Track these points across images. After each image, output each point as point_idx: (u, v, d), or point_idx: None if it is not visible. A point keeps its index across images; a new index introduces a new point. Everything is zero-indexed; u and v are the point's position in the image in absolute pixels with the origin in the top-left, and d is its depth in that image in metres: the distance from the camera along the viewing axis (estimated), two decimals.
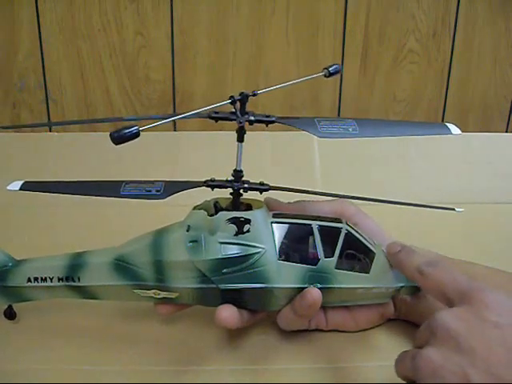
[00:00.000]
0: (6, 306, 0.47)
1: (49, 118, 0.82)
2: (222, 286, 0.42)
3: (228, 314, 0.42)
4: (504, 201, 0.74)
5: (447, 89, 0.85)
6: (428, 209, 0.45)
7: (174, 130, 0.80)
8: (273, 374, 0.45)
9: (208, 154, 0.72)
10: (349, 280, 0.43)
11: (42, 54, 0.79)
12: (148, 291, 0.43)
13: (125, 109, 0.82)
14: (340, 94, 0.84)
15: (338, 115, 0.85)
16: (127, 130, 0.35)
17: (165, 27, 0.78)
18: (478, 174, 0.76)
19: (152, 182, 0.43)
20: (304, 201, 0.47)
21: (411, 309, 0.48)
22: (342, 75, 0.83)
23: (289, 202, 0.47)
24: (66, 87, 0.81)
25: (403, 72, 0.83)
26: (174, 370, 0.45)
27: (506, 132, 0.87)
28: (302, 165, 0.76)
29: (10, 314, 0.48)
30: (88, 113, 0.82)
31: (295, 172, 0.75)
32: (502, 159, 0.78)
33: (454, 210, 0.44)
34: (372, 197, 0.44)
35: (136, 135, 0.35)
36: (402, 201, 0.44)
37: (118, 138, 0.35)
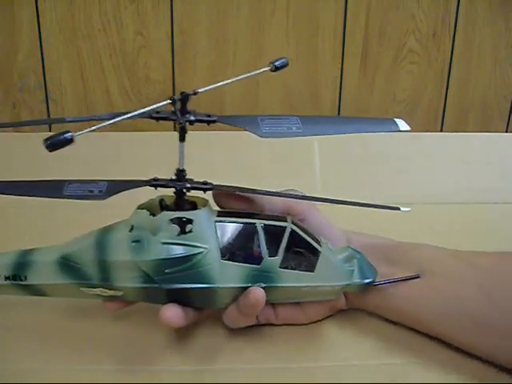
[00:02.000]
0: None
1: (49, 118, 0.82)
2: (166, 286, 0.42)
3: (171, 313, 0.42)
4: (504, 201, 0.74)
5: (447, 89, 0.85)
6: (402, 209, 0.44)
7: (174, 130, 0.80)
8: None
9: (206, 154, 0.72)
10: (293, 279, 0.43)
11: (42, 53, 0.79)
12: (94, 289, 0.43)
13: (125, 109, 0.82)
14: (340, 94, 0.84)
15: (338, 115, 0.85)
16: (60, 137, 0.35)
17: (165, 27, 0.78)
18: (477, 174, 0.76)
19: (96, 182, 0.43)
20: (255, 190, 0.45)
21: (362, 299, 0.48)
22: (342, 75, 0.83)
23: (239, 194, 0.46)
24: (65, 87, 0.81)
25: (403, 72, 0.83)
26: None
27: (506, 132, 0.87)
28: (302, 164, 0.76)
29: None
30: (88, 113, 0.82)
31: (295, 172, 0.75)
32: (502, 159, 0.78)
33: (399, 209, 0.43)
34: (325, 197, 0.43)
35: (69, 141, 0.35)
36: (350, 200, 0.43)
37: (51, 146, 0.35)
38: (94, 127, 0.38)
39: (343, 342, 0.48)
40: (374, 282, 0.45)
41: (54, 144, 0.35)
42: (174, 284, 0.42)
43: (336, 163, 0.76)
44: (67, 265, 0.44)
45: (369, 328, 0.49)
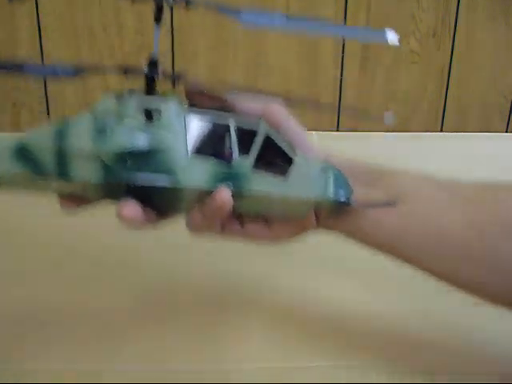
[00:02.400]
0: None
1: (49, 118, 0.82)
2: (127, 181, 0.39)
3: (128, 210, 0.39)
4: None
5: (447, 89, 0.85)
6: None
7: None
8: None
9: None
10: (264, 184, 0.40)
11: (42, 53, 0.79)
12: (51, 183, 0.40)
13: None
14: (340, 94, 0.84)
15: (338, 115, 0.85)
16: None
17: (165, 27, 0.78)
18: (477, 174, 0.76)
19: (58, 65, 0.40)
20: (230, 89, 0.43)
21: (334, 221, 0.44)
22: (342, 75, 0.83)
23: (212, 93, 0.43)
24: (66, 87, 0.81)
25: (403, 72, 0.83)
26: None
27: (506, 132, 0.87)
28: None
29: None
30: None
31: None
32: (502, 159, 0.78)
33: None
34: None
35: None
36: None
37: None
38: None
39: (340, 342, 0.48)
40: (348, 201, 0.42)
41: None
42: (135, 179, 0.39)
43: None
44: (24, 153, 0.40)
45: (368, 327, 0.49)
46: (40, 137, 0.40)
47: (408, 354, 0.47)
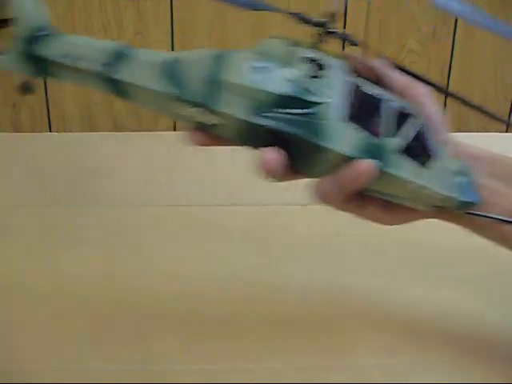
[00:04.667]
0: (27, 80, 0.44)
1: (49, 118, 0.81)
2: (273, 125, 0.37)
3: (273, 156, 0.37)
4: None
5: (447, 89, 0.85)
6: None
7: (174, 130, 0.80)
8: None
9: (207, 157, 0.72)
10: (405, 169, 0.38)
11: None
12: (190, 109, 0.38)
13: (125, 108, 0.82)
14: None
15: None
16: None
17: (165, 27, 0.78)
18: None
19: None
20: (384, 63, 0.42)
21: (456, 214, 0.42)
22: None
23: (370, 62, 0.42)
24: (66, 87, 0.81)
25: None
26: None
27: (506, 132, 0.87)
28: None
29: (27, 88, 0.44)
30: (88, 113, 0.81)
31: None
32: None
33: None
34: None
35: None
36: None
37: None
38: None
39: (348, 342, 0.48)
40: (474, 206, 0.41)
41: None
42: (281, 126, 0.37)
43: None
44: (170, 70, 0.39)
45: (372, 327, 0.49)
46: (194, 59, 0.39)
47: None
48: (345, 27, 0.80)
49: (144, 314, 0.50)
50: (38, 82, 0.80)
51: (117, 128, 0.82)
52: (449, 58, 0.83)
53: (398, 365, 0.45)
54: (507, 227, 0.41)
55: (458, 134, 0.85)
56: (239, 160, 0.77)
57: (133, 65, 0.40)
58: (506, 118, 0.87)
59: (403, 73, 0.42)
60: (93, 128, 0.80)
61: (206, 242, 0.60)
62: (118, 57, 0.40)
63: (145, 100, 0.40)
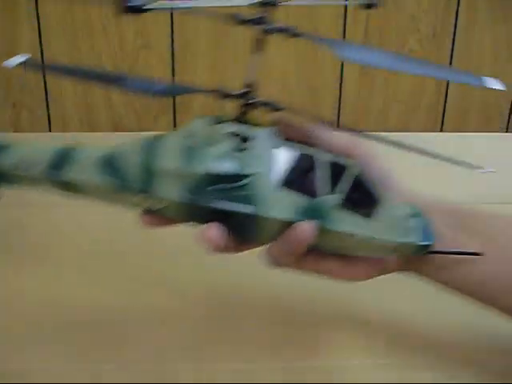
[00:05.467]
0: None
1: (49, 118, 0.82)
2: (211, 204, 0.39)
3: (214, 233, 0.39)
4: (504, 201, 0.74)
5: (447, 89, 0.85)
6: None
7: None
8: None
9: None
10: (348, 223, 0.39)
11: (42, 53, 0.79)
12: (134, 196, 0.40)
13: (124, 108, 0.82)
14: (340, 94, 0.84)
15: (338, 115, 0.85)
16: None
17: (165, 27, 0.79)
18: (477, 174, 0.76)
19: (154, 81, 0.41)
20: (319, 125, 0.43)
21: (417, 263, 0.43)
22: (342, 75, 0.83)
23: (302, 125, 0.43)
24: (66, 87, 0.81)
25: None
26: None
27: (506, 132, 0.87)
28: None
29: None
30: (88, 113, 0.82)
31: None
32: (502, 159, 0.78)
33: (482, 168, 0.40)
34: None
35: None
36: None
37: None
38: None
39: (343, 342, 0.48)
40: (431, 247, 0.41)
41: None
42: (220, 203, 0.38)
43: None
44: (110, 163, 0.40)
45: (370, 328, 0.49)
46: (128, 150, 0.41)
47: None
48: (345, 28, 0.80)
49: (144, 314, 0.50)
50: (38, 81, 0.80)
51: (117, 128, 0.83)
52: (449, 58, 0.83)
53: (394, 365, 0.46)
54: (469, 269, 0.42)
55: (458, 133, 0.85)
56: None
57: (76, 164, 0.42)
58: (505, 117, 0.87)
59: (341, 132, 0.43)
60: (93, 128, 0.81)
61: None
62: (62, 158, 0.42)
63: (94, 194, 0.42)
